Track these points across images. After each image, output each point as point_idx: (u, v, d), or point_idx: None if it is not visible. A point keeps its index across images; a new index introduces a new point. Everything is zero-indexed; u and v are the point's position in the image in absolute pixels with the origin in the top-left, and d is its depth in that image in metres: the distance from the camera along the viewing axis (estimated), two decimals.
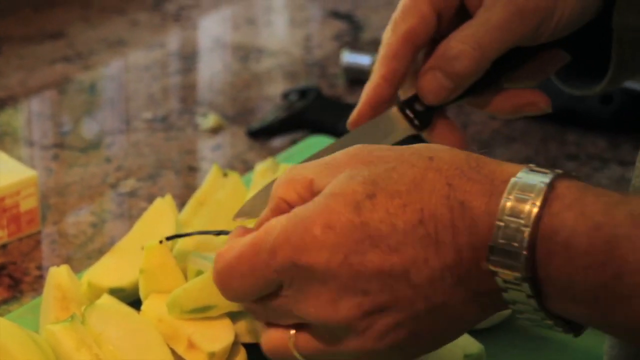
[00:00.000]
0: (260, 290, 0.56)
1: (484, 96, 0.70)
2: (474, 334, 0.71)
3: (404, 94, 0.71)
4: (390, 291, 0.52)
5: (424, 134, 0.71)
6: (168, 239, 0.70)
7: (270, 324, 0.59)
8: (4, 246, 0.83)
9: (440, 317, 0.53)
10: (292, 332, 0.57)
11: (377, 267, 0.52)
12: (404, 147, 0.56)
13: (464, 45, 0.66)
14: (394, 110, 0.70)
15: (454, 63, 0.66)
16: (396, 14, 0.69)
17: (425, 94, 0.68)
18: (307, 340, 0.56)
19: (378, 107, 0.70)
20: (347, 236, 0.52)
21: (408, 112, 0.70)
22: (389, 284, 0.52)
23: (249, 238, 0.56)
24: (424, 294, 0.52)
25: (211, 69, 1.16)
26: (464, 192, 0.52)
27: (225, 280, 0.57)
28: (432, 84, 0.68)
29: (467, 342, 0.69)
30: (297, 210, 0.54)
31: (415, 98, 0.69)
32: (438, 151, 0.55)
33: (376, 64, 0.70)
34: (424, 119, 0.70)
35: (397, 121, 0.70)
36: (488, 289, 0.52)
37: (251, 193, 0.81)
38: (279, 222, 0.55)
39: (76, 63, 1.14)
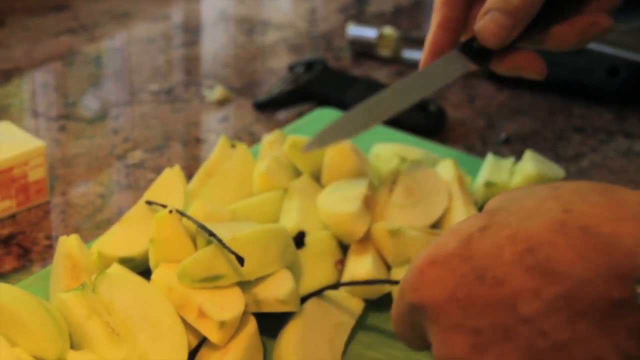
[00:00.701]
0: (413, 333, 0.54)
1: (544, 34, 0.70)
2: None
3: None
4: (502, 328, 0.48)
5: (495, 67, 0.70)
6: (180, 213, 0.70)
7: None
8: (13, 216, 0.83)
9: (569, 357, 0.48)
10: None
11: (485, 301, 0.49)
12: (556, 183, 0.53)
13: None
14: (455, 51, 0.70)
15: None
16: None
17: (485, 37, 0.67)
18: None
19: (439, 54, 0.70)
20: (452, 270, 0.50)
21: (468, 50, 0.69)
22: (500, 320, 0.48)
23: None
24: (540, 329, 0.48)
25: (216, 42, 1.16)
26: (587, 217, 0.48)
27: (398, 332, 0.56)
28: (490, 25, 0.67)
29: None
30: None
31: (474, 39, 0.69)
32: (570, 183, 0.51)
33: (433, 13, 0.70)
34: (484, 54, 0.69)
35: (458, 59, 0.70)
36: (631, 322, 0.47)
37: (259, 164, 0.81)
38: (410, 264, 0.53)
39: (81, 35, 1.13)
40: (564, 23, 0.69)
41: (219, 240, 0.67)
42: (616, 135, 1.00)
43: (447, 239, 0.51)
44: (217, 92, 1.04)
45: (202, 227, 0.69)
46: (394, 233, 0.74)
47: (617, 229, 0.47)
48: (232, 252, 0.66)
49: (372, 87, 1.03)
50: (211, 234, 0.68)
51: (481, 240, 0.49)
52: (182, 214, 0.70)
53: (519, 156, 0.88)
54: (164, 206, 0.71)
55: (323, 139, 0.64)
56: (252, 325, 0.68)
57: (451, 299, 0.49)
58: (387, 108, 0.66)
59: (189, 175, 0.82)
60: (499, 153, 0.94)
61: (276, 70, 1.10)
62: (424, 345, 0.54)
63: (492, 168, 0.85)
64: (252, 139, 0.96)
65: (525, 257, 0.48)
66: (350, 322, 0.71)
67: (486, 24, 0.67)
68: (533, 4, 0.66)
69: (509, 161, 0.86)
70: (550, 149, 0.97)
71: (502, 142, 0.98)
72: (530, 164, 0.83)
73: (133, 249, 0.72)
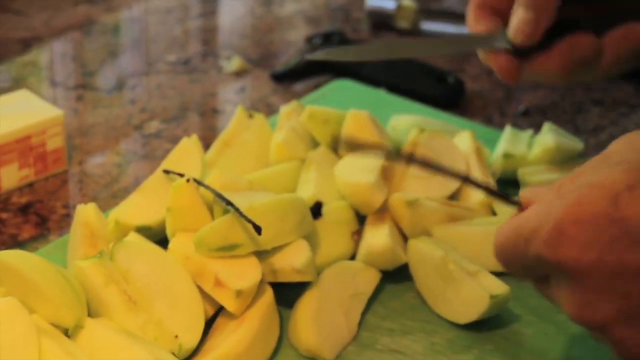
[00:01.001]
0: (527, 272, 0.53)
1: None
2: (499, 275, 0.71)
3: None
4: None
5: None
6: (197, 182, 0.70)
7: None
8: (31, 185, 0.84)
9: None
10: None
11: (638, 266, 0.47)
12: None
13: None
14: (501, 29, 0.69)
15: None
16: None
17: (514, 34, 0.67)
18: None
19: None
20: (601, 232, 0.48)
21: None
22: None
23: (514, 221, 0.53)
24: None
25: (233, 13, 1.16)
26: None
27: (500, 257, 0.55)
28: (514, 21, 0.66)
29: (493, 284, 0.69)
30: (551, 199, 0.50)
31: None
32: None
33: None
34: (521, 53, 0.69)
35: (497, 33, 0.69)
36: None
37: (276, 135, 0.81)
38: (533, 211, 0.51)
39: (99, 5, 1.13)
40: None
41: (236, 209, 0.67)
42: (637, 108, 0.99)
43: (591, 195, 0.48)
44: (234, 63, 1.03)
45: (219, 196, 0.69)
46: (411, 204, 0.74)
47: None
48: (250, 221, 0.66)
49: (390, 59, 1.02)
50: (228, 202, 0.68)
51: (632, 201, 0.47)
52: (199, 183, 0.70)
53: (537, 128, 0.88)
54: (181, 175, 0.71)
55: (333, 53, 0.63)
56: (268, 294, 0.68)
57: (599, 263, 0.47)
58: (408, 49, 0.68)
59: (206, 145, 0.82)
60: (517, 125, 0.93)
61: (294, 42, 1.09)
62: (526, 278, 0.53)
63: (511, 140, 0.84)
64: (269, 110, 0.96)
65: None
66: (366, 293, 0.71)
67: (513, 21, 0.67)
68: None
69: (527, 133, 0.86)
70: (569, 122, 0.96)
71: (520, 114, 0.98)
72: (549, 136, 0.83)
73: (150, 218, 0.72)
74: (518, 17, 0.66)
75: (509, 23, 0.68)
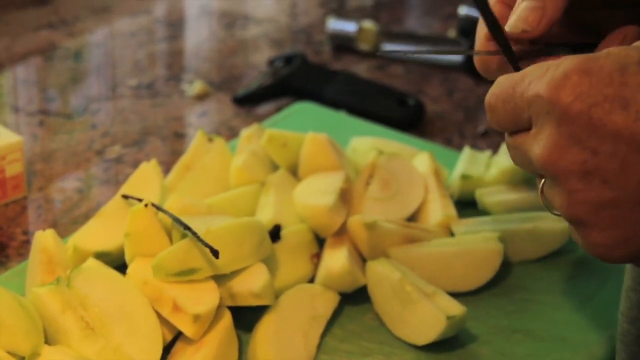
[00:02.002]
0: (513, 119, 0.54)
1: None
2: (456, 296, 0.72)
3: None
4: (620, 162, 0.49)
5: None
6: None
7: None
8: None
9: None
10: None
11: (617, 129, 0.49)
12: None
13: None
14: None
15: None
16: None
17: (515, 23, 0.63)
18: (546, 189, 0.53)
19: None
20: (599, 87, 0.50)
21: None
22: (622, 152, 0.49)
23: (524, 71, 0.55)
24: None
25: (197, 36, 1.16)
26: None
27: (493, 104, 0.55)
28: (519, 8, 0.63)
29: (450, 305, 0.70)
30: (568, 57, 0.52)
31: None
32: None
33: None
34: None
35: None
36: None
37: (236, 158, 0.81)
38: (546, 63, 0.53)
39: (61, 30, 1.13)
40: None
41: (194, 233, 0.67)
42: None
43: (602, 60, 0.51)
44: (196, 87, 1.04)
45: (177, 220, 0.69)
46: (370, 226, 0.74)
47: None
48: (207, 245, 0.67)
49: (351, 81, 1.03)
50: (186, 227, 0.68)
51: (637, 74, 0.50)
52: (157, 207, 0.71)
53: (496, 149, 0.88)
54: (140, 200, 0.71)
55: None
56: (227, 318, 0.68)
57: (585, 113, 0.50)
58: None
59: (169, 169, 0.82)
60: (476, 146, 0.94)
61: (256, 64, 1.10)
62: (505, 127, 0.54)
63: (469, 161, 0.85)
64: (231, 134, 0.96)
65: None
66: (325, 316, 0.72)
67: (515, 9, 0.64)
68: None
69: (485, 154, 0.87)
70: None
71: (480, 135, 0.99)
72: (505, 157, 0.84)
73: (109, 243, 0.72)
74: (522, 3, 0.64)
75: (511, 13, 0.64)
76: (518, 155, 0.55)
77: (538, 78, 0.52)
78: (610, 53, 0.51)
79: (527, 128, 0.53)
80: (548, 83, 0.51)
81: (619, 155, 0.49)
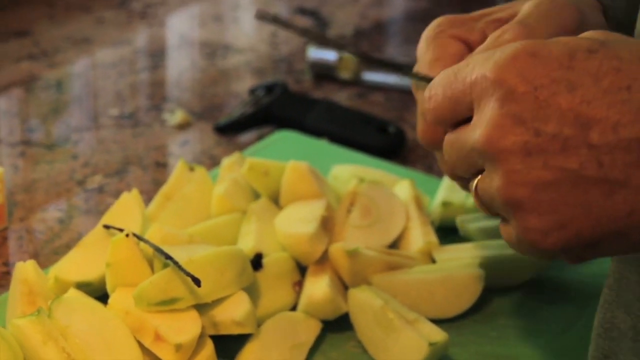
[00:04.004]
0: (453, 105, 0.53)
1: None
2: (439, 323, 0.72)
3: None
4: (562, 142, 0.49)
5: None
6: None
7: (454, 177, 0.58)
8: None
9: (607, 197, 0.49)
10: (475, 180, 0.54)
11: (562, 110, 0.49)
12: None
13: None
14: None
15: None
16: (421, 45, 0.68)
17: None
18: (481, 181, 0.53)
19: None
20: (546, 70, 0.50)
21: None
22: (565, 134, 0.49)
23: (468, 57, 0.55)
24: (598, 159, 0.48)
25: (178, 66, 1.16)
26: None
27: (433, 92, 0.55)
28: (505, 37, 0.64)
29: (432, 331, 0.70)
30: (515, 42, 0.52)
31: None
32: None
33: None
34: None
35: None
36: None
37: (217, 187, 0.82)
38: (490, 50, 0.53)
39: (42, 61, 1.13)
40: None
41: (175, 263, 0.67)
42: None
43: (552, 45, 0.51)
44: (177, 116, 1.04)
45: (158, 250, 0.69)
46: (351, 253, 0.74)
47: None
48: (189, 274, 0.67)
49: (332, 109, 1.04)
50: (167, 256, 0.68)
51: (586, 60, 0.50)
52: (138, 237, 0.71)
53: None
54: (121, 230, 0.71)
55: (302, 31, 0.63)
56: (209, 347, 0.68)
57: (531, 94, 0.50)
58: None
59: (150, 199, 0.82)
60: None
61: (238, 93, 1.10)
62: (443, 117, 0.54)
63: (449, 188, 0.85)
64: (213, 163, 0.97)
65: (622, 93, 0.49)
66: (307, 343, 0.71)
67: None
68: (550, 17, 0.65)
69: None
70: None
71: None
72: None
73: (90, 274, 0.72)
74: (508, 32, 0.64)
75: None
76: (455, 151, 0.54)
77: (483, 61, 0.52)
78: (559, 40, 0.51)
79: (467, 120, 0.53)
80: (494, 64, 0.51)
81: (561, 137, 0.49)
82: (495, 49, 0.53)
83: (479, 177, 0.53)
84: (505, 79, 0.50)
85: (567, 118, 0.49)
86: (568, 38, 0.52)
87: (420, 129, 0.66)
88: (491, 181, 0.51)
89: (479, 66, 0.52)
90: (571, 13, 0.65)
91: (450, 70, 0.54)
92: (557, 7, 0.65)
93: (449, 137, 0.55)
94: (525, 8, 0.66)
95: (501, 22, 0.67)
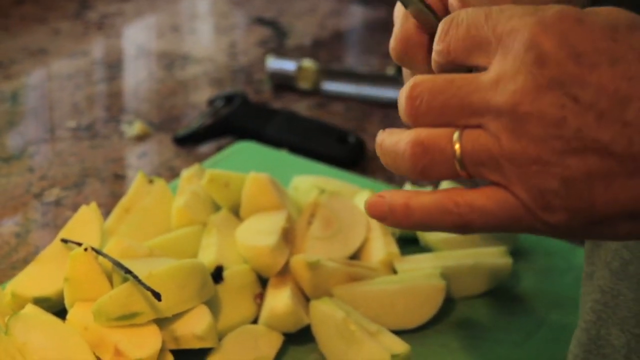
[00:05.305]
0: (470, 45, 0.50)
1: None
2: (401, 334, 0.72)
3: None
4: (597, 114, 0.47)
5: None
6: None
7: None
8: None
9: (629, 176, 0.48)
10: (458, 131, 0.50)
11: (601, 82, 0.48)
12: None
13: None
14: None
15: None
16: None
17: None
18: (476, 137, 0.50)
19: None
20: (591, 38, 0.48)
21: None
22: (601, 106, 0.47)
23: (502, 5, 0.51)
24: (630, 137, 0.47)
25: (136, 77, 1.16)
26: None
27: (459, 21, 0.51)
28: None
29: (394, 343, 0.70)
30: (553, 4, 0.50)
31: None
32: None
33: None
34: None
35: None
36: None
37: (177, 199, 0.81)
38: (528, 6, 0.50)
39: None
40: None
41: (135, 277, 0.67)
42: None
43: (592, 15, 0.49)
44: (135, 128, 1.03)
45: (118, 264, 0.68)
46: (313, 265, 0.74)
47: None
48: (149, 289, 0.66)
49: (292, 119, 1.03)
50: (127, 271, 0.67)
51: (630, 35, 0.49)
52: (97, 251, 0.70)
53: (437, 185, 0.89)
54: (79, 244, 0.70)
55: None
56: None
57: (574, 59, 0.48)
58: None
59: (109, 212, 0.81)
60: (417, 183, 0.95)
61: (196, 104, 1.10)
62: (453, 54, 0.51)
63: None
64: (172, 174, 0.96)
65: None
66: (269, 357, 0.71)
67: None
68: None
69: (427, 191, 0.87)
70: (469, 179, 0.98)
71: None
72: None
73: (48, 289, 0.71)
74: None
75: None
76: (450, 95, 0.50)
77: (523, 14, 0.50)
78: (597, 11, 0.50)
79: (469, 67, 0.51)
80: (538, 21, 0.49)
81: (596, 108, 0.48)
82: (535, 7, 0.50)
83: (466, 131, 0.50)
84: (547, 39, 0.49)
85: (605, 90, 0.48)
86: (606, 9, 0.50)
87: (396, 37, 0.58)
88: (498, 140, 0.49)
89: (517, 18, 0.50)
90: None
91: (482, 11, 0.51)
92: None
93: (450, 77, 0.51)
94: None
95: None
